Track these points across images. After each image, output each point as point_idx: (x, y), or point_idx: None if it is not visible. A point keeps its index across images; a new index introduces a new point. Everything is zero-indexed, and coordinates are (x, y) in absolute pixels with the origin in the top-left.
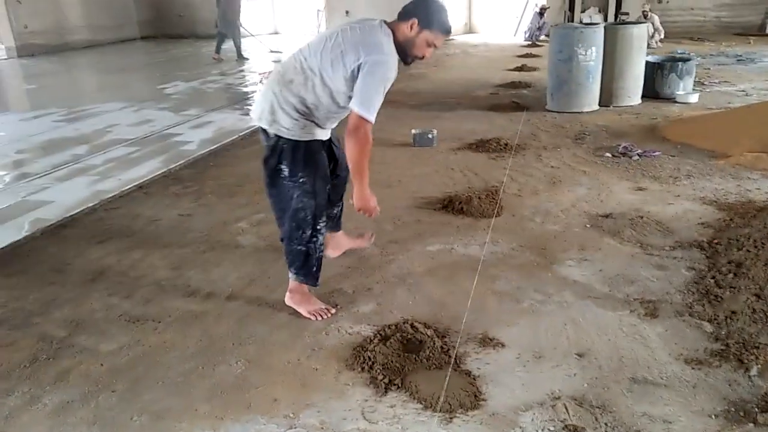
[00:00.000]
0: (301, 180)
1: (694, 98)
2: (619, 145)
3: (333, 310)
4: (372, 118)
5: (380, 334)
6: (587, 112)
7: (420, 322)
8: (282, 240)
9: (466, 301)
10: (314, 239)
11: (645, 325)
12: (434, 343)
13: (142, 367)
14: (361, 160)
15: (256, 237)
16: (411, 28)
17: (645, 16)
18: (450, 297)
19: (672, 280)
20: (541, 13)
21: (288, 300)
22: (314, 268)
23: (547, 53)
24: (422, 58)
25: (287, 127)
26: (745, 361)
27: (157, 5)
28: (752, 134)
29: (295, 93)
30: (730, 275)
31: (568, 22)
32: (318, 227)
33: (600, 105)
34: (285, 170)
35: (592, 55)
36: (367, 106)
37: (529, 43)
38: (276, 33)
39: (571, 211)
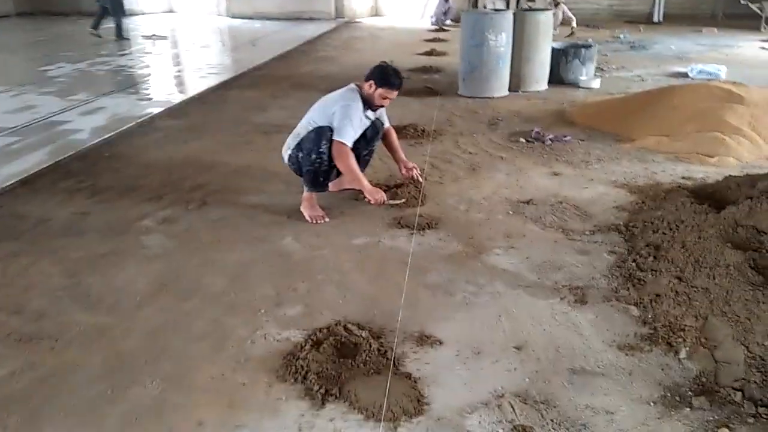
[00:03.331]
0: None
1: (596, 84)
2: (532, 131)
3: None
4: (345, 140)
5: (311, 339)
6: (498, 98)
7: (353, 323)
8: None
9: (399, 297)
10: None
11: (576, 312)
12: (370, 346)
13: (39, 394)
14: (351, 168)
15: (165, 236)
16: (370, 86)
17: (555, 4)
18: (382, 293)
19: (596, 264)
20: None
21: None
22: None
23: (455, 38)
24: (383, 105)
25: None
26: (674, 344)
27: None
28: (652, 119)
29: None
30: (650, 258)
31: (473, 7)
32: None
33: (510, 90)
34: None
35: (503, 41)
36: (340, 133)
37: (436, 27)
38: (171, 11)
39: (493, 198)
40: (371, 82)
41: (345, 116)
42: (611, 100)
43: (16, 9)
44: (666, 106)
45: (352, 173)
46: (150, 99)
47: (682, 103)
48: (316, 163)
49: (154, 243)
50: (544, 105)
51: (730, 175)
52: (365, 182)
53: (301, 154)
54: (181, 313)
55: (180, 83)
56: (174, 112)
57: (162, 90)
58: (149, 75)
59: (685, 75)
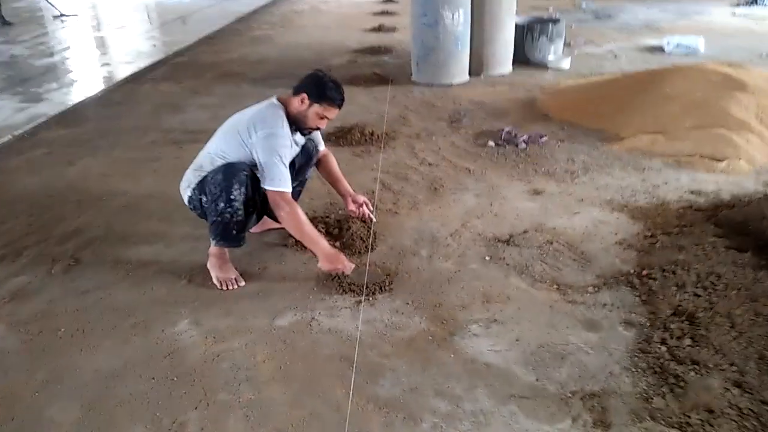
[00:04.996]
0: None
1: (566, 63)
2: (502, 130)
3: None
4: (284, 188)
5: None
6: (458, 84)
7: None
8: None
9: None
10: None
11: None
12: None
13: None
14: (300, 228)
15: (6, 327)
16: (302, 102)
17: None
18: (314, 424)
19: (611, 348)
20: None
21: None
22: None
23: (406, 9)
24: (317, 129)
25: None
26: None
27: None
28: (641, 112)
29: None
30: (686, 339)
31: None
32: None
33: (470, 74)
34: None
35: (460, 19)
36: (273, 180)
37: None
38: None
39: (463, 235)
40: (302, 96)
41: (271, 151)
42: (587, 85)
43: None
44: (656, 96)
45: (307, 238)
46: (40, 100)
47: (674, 91)
48: (226, 214)
49: None
50: (511, 92)
51: (763, 198)
52: (324, 246)
53: (204, 199)
54: None
55: (81, 77)
56: (66, 117)
57: (57, 88)
58: (46, 68)
59: (660, 49)
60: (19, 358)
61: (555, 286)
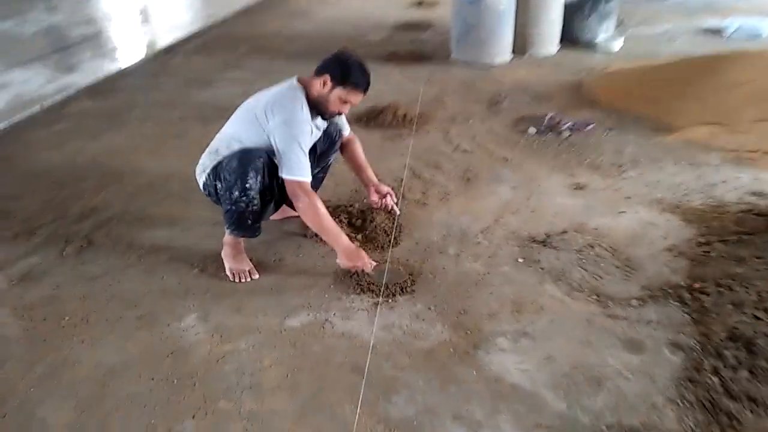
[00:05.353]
0: None
1: (617, 45)
2: (544, 116)
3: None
4: (303, 177)
5: None
6: (500, 64)
7: None
8: None
9: None
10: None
11: None
12: None
13: None
14: (319, 221)
15: (11, 311)
16: (324, 84)
17: None
18: None
19: (654, 374)
20: None
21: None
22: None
23: None
24: (339, 114)
25: None
26: None
27: None
28: (699, 100)
29: None
30: (743, 372)
31: None
32: None
33: (513, 53)
34: None
35: None
36: (292, 168)
37: None
38: None
39: (495, 232)
40: (325, 78)
41: (290, 138)
42: (640, 69)
43: None
44: (716, 84)
45: (326, 232)
46: (73, 71)
47: (738, 79)
48: (241, 203)
49: None
50: (556, 75)
51: None
52: (344, 242)
53: (219, 186)
54: None
55: (116, 48)
56: (96, 89)
57: (91, 58)
58: (83, 37)
59: (719, 32)
60: (19, 347)
61: (594, 297)
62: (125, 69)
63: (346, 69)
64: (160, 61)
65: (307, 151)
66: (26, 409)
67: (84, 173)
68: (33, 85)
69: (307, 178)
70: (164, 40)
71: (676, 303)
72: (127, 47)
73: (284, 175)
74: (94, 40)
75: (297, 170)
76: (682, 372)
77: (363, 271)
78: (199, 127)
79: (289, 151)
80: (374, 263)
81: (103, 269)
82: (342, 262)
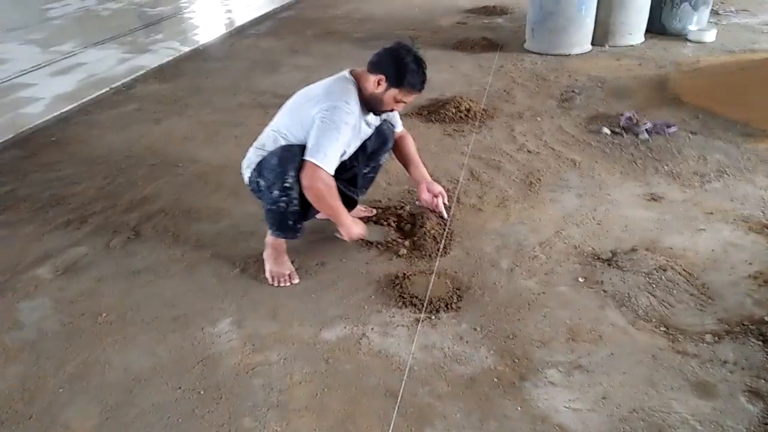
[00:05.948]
0: None
1: (710, 36)
2: (622, 115)
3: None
4: (321, 164)
5: None
6: (577, 55)
7: None
8: None
9: None
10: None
11: None
12: None
13: None
14: (322, 202)
15: (53, 303)
16: (378, 84)
17: None
18: None
19: (727, 426)
20: None
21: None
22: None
23: None
24: (392, 110)
25: None
26: None
27: None
28: None
29: None
30: None
31: None
32: None
33: (593, 44)
34: None
35: None
36: (314, 152)
37: None
38: None
39: (554, 246)
40: (380, 77)
41: (328, 126)
42: (735, 65)
43: None
44: None
45: (330, 209)
46: (145, 51)
47: None
48: (281, 203)
49: (30, 319)
50: (639, 68)
51: None
52: (345, 217)
53: (261, 183)
54: None
55: (189, 29)
56: (163, 71)
57: (163, 39)
58: (159, 17)
59: None
60: (54, 343)
61: (662, 329)
62: (193, 50)
63: (402, 69)
64: (230, 42)
65: (344, 142)
66: (52, 412)
67: (140, 160)
68: (105, 65)
69: (327, 168)
70: (238, 22)
71: (757, 342)
72: (200, 29)
73: (307, 155)
74: (168, 21)
75: (322, 156)
76: (759, 426)
77: (407, 281)
78: (258, 116)
79: (323, 136)
80: (364, 226)
81: (146, 263)
82: (341, 232)
